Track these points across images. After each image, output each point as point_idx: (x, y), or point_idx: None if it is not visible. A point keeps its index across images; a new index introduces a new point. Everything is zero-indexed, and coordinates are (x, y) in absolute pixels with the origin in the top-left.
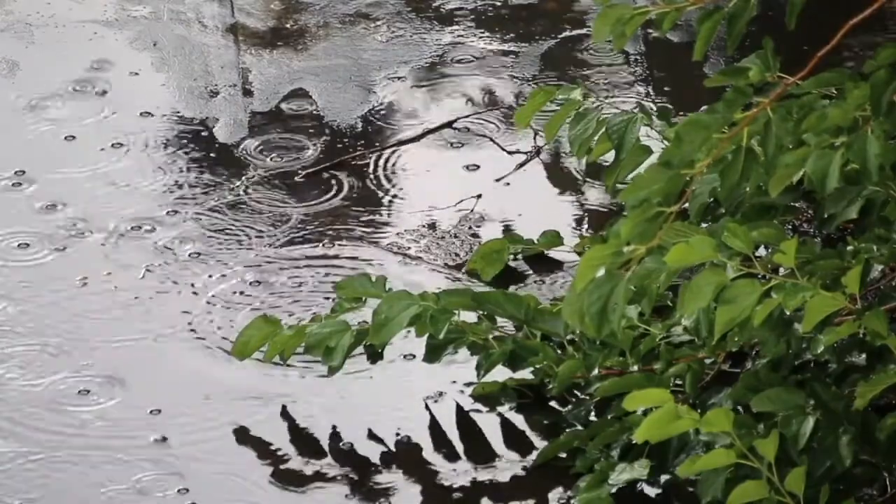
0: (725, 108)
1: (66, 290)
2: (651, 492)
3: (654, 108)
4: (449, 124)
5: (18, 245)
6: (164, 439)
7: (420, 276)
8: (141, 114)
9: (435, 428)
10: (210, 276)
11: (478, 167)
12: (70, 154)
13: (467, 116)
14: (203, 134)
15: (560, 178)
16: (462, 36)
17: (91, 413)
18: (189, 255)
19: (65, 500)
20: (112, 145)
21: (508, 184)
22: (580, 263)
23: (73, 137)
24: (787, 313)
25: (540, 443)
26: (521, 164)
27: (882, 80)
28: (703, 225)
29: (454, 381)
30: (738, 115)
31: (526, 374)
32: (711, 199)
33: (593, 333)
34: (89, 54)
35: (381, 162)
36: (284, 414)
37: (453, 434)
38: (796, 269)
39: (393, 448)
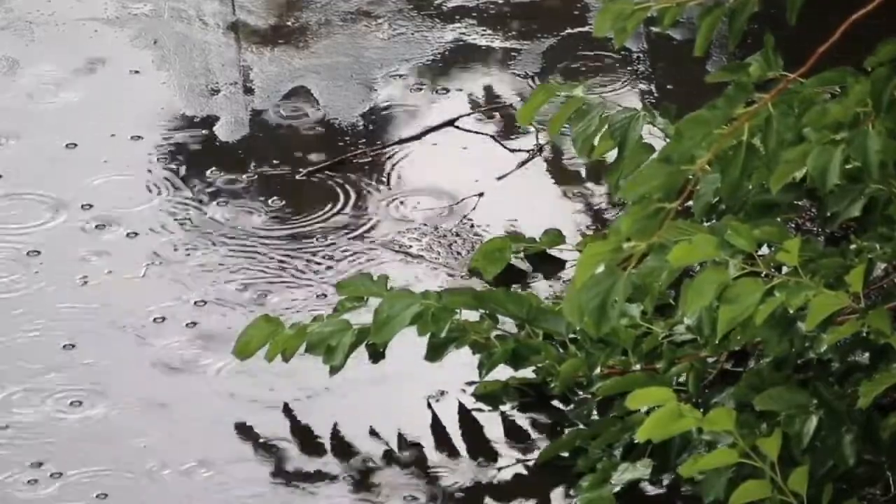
0: (726, 104)
1: (66, 288)
2: (653, 491)
3: (656, 106)
4: (450, 122)
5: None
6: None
7: (422, 275)
8: (141, 112)
9: (437, 427)
10: (209, 275)
11: (479, 165)
12: (71, 153)
13: (469, 114)
14: (204, 132)
15: (562, 177)
16: (464, 34)
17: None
18: (190, 254)
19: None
20: (112, 145)
21: (510, 182)
22: (580, 260)
23: (74, 136)
24: (790, 312)
25: (542, 442)
26: (523, 163)
27: (883, 76)
28: (706, 223)
29: (456, 380)
30: (740, 110)
31: (528, 373)
32: (715, 199)
33: (592, 330)
34: (90, 52)
35: (383, 160)
36: (286, 412)
37: (455, 433)
38: (799, 267)
39: (394, 447)
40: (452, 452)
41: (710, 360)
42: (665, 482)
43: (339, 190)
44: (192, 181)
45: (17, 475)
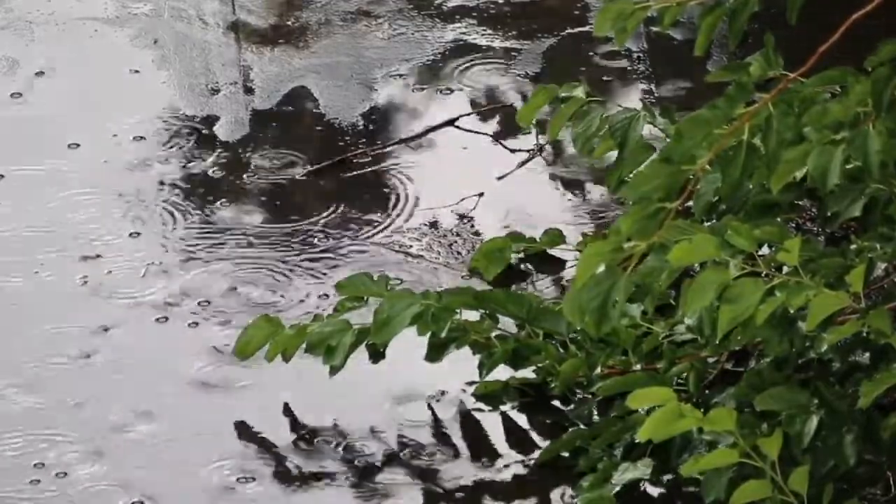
0: (727, 103)
1: (66, 288)
2: (654, 491)
3: (657, 106)
4: (451, 122)
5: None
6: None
7: (422, 275)
8: (141, 112)
9: (437, 427)
10: (210, 275)
11: (479, 165)
12: (72, 153)
13: (469, 114)
14: (204, 132)
15: (562, 177)
16: (464, 33)
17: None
18: (190, 254)
19: None
20: (113, 145)
21: (510, 182)
22: (580, 260)
23: (75, 136)
24: (791, 312)
25: (542, 442)
26: (524, 163)
27: (884, 76)
28: (707, 223)
29: (456, 380)
30: (740, 110)
31: (528, 373)
32: (716, 198)
33: (593, 330)
34: (90, 52)
35: (383, 160)
36: (286, 412)
37: (455, 433)
38: (799, 267)
39: (395, 447)
40: (453, 452)
41: (710, 359)
42: (666, 482)
43: (339, 190)
44: (193, 181)
45: (20, 481)
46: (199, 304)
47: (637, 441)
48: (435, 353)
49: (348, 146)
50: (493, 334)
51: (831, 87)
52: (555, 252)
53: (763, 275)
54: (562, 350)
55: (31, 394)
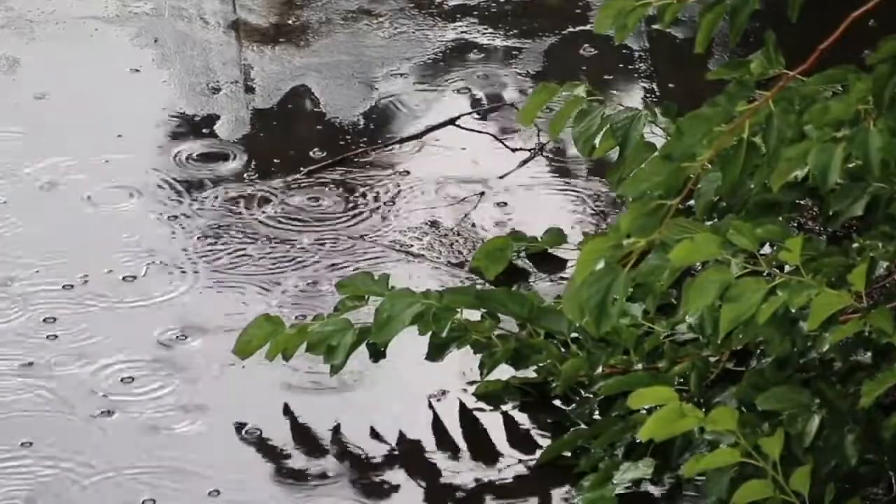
0: (727, 101)
1: (66, 286)
2: (655, 491)
3: (658, 105)
4: (451, 121)
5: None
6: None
7: (423, 274)
8: (142, 111)
9: (438, 426)
10: (210, 273)
11: (480, 164)
12: (73, 153)
13: (469, 114)
14: (204, 131)
15: (563, 176)
16: (465, 32)
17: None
18: (190, 253)
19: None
20: (113, 144)
21: (511, 181)
22: (580, 256)
23: (75, 136)
24: (793, 311)
25: (543, 442)
26: (525, 162)
27: (885, 73)
28: (708, 222)
29: (457, 380)
30: (741, 107)
31: (529, 372)
32: (717, 197)
33: (593, 328)
34: (90, 51)
35: (384, 159)
36: (286, 412)
37: (456, 433)
38: (801, 266)
39: (395, 447)
40: (453, 452)
41: (711, 359)
42: (667, 482)
43: (340, 189)
44: (193, 180)
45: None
46: (198, 303)
47: (638, 441)
48: (436, 352)
49: (349, 145)
50: (495, 334)
51: (832, 85)
52: (556, 251)
53: (765, 274)
54: (563, 349)
55: (30, 396)
